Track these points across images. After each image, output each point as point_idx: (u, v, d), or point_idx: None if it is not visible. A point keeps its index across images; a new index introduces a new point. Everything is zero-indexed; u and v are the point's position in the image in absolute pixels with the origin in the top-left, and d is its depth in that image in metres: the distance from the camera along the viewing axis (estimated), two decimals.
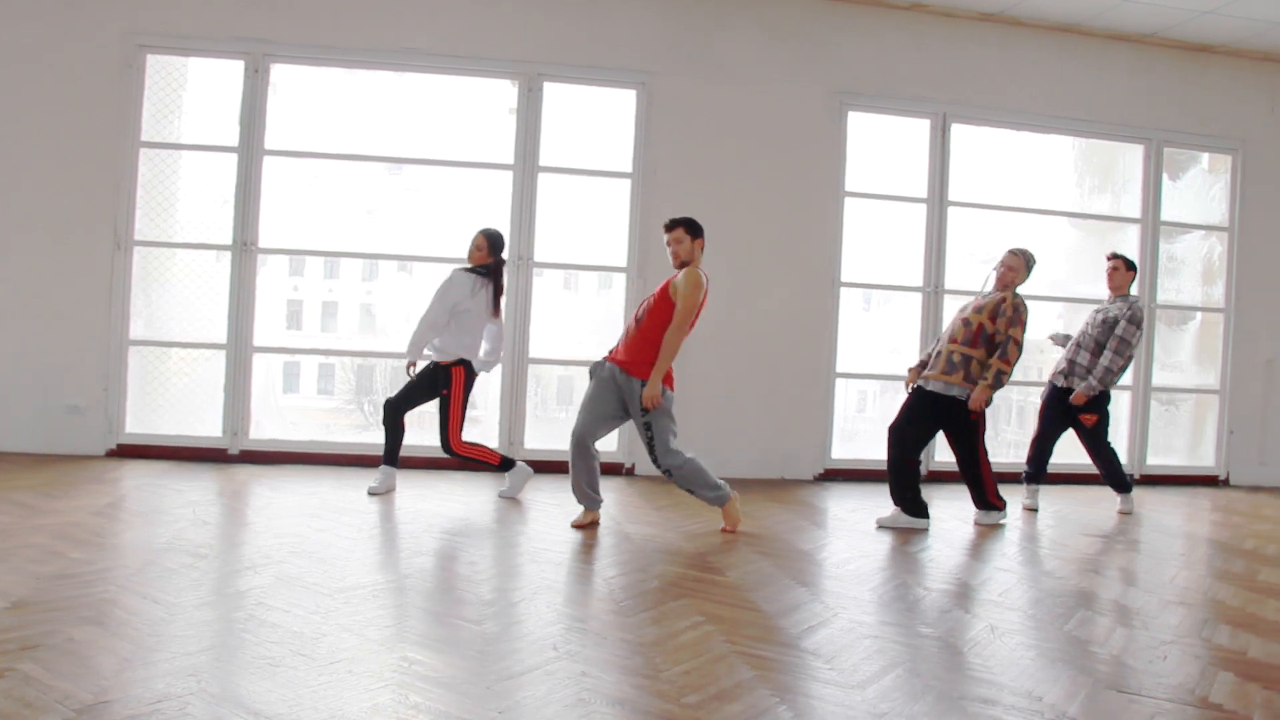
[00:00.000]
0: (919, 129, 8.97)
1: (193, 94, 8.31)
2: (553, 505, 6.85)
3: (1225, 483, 9.62)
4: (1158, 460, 9.50)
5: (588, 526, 6.16)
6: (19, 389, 7.72)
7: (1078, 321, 9.93)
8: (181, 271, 8.14)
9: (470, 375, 6.98)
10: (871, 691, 3.48)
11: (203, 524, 5.72)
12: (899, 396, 8.87)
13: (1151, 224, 9.41)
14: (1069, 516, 7.56)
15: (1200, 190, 9.85)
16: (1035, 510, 7.65)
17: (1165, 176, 9.53)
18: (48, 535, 5.14)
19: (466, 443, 6.97)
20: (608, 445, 8.42)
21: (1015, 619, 4.57)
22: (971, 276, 9.37)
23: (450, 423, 6.89)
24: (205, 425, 8.05)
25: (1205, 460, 9.70)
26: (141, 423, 7.99)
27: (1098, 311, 7.65)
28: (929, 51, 8.86)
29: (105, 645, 3.54)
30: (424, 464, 7.99)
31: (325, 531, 5.59)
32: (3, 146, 7.64)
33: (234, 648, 3.64)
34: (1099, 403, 7.52)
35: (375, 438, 8.47)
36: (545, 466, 8.05)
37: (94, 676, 3.24)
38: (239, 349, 7.98)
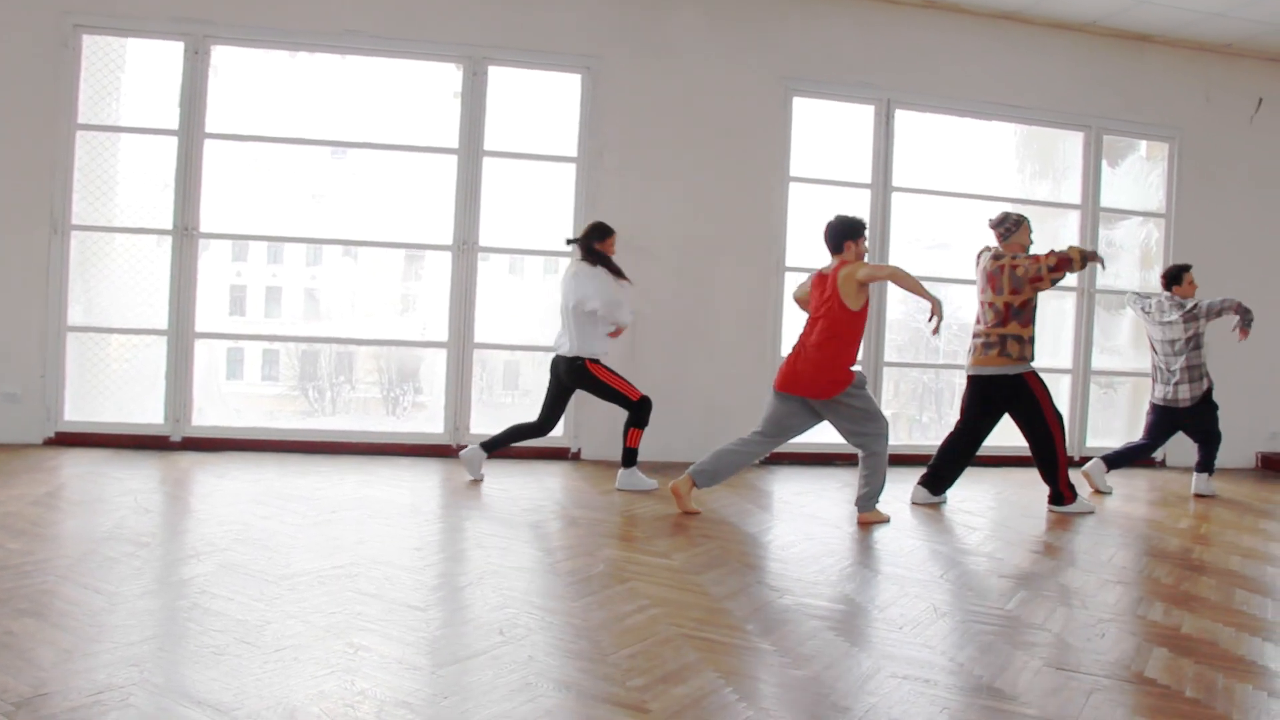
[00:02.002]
0: (863, 115, 9.02)
1: (131, 76, 8.17)
2: (499, 491, 6.84)
3: (1162, 464, 9.79)
4: (1097, 442, 9.64)
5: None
6: None
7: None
8: (121, 256, 8.02)
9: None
10: (817, 672, 3.52)
11: (145, 512, 5.65)
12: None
13: (1091, 210, 9.55)
14: (1010, 498, 7.67)
15: (1138, 177, 10.00)
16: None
17: (1104, 163, 9.67)
18: None
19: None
20: (555, 430, 8.41)
21: (958, 599, 4.64)
22: (916, 262, 9.47)
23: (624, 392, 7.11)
24: (146, 412, 7.95)
25: None
26: (81, 410, 7.87)
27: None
28: (873, 38, 8.92)
29: (44, 637, 3.50)
30: (368, 450, 7.95)
31: (270, 519, 5.54)
32: None
33: (177, 637, 3.61)
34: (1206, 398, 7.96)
35: (320, 424, 8.44)
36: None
37: (32, 669, 3.20)
38: (181, 335, 7.88)
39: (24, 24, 7.60)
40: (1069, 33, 9.31)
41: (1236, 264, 9.80)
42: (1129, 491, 8.27)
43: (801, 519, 6.45)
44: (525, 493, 6.79)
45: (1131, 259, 10.04)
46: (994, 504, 7.43)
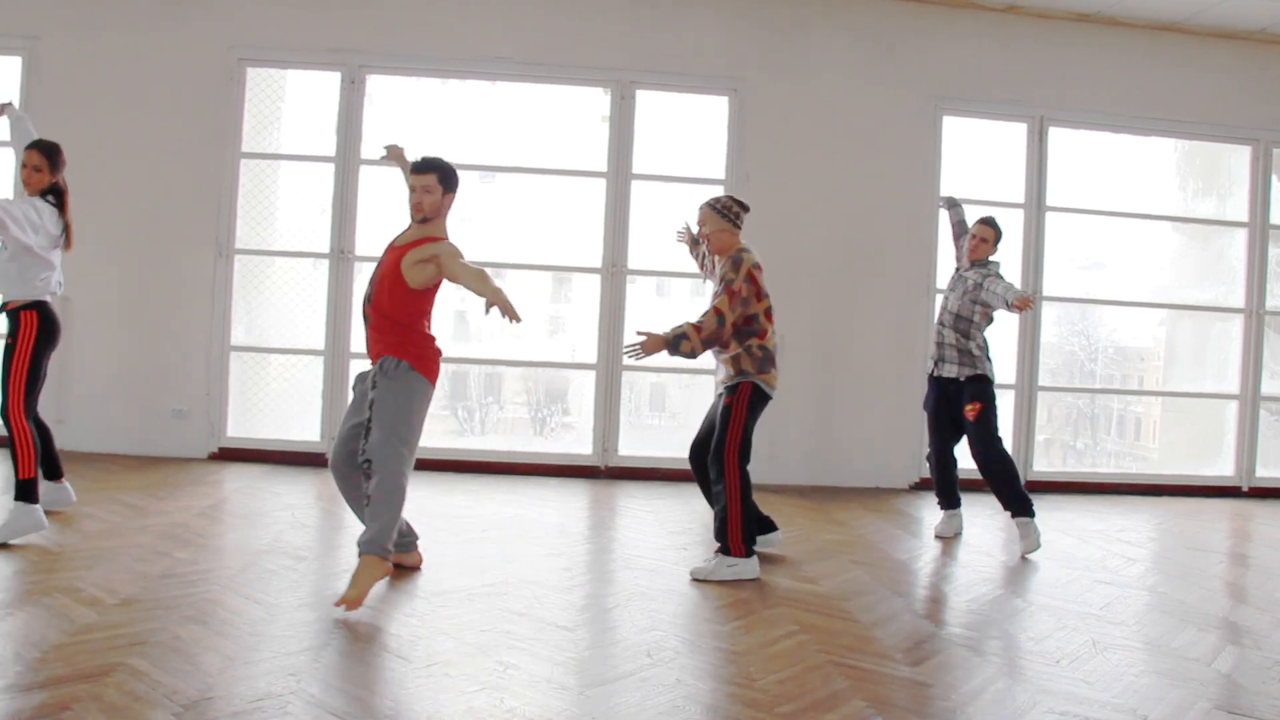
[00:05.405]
0: (1016, 133, 8.80)
1: (291, 105, 8.46)
2: (647, 512, 6.84)
3: None
4: (1268, 472, 9.17)
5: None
6: (126, 393, 7.92)
7: (1180, 330, 9.68)
8: (280, 279, 8.29)
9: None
10: (970, 705, 3.42)
11: (302, 527, 5.81)
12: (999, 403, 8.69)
13: (1260, 227, 9.11)
14: (1171, 529, 7.35)
15: None
16: (953, 537, 6.58)
17: (1275, 178, 9.22)
18: (154, 535, 5.27)
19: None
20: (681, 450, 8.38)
21: (1118, 634, 4.46)
22: (1070, 283, 9.21)
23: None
24: (304, 430, 8.18)
25: None
26: (242, 427, 8.15)
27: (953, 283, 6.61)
28: (1024, 54, 8.70)
29: (209, 644, 3.62)
30: (516, 470, 8.03)
31: (421, 536, 5.63)
32: (110, 157, 7.83)
33: (332, 649, 3.69)
34: (990, 391, 6.35)
35: (469, 443, 8.57)
36: (639, 474, 8.05)
37: (199, 674, 3.31)
38: (336, 355, 8.10)
39: (194, 59, 7.94)
40: (1234, 42, 8.92)
41: None
42: None
43: (952, 546, 6.29)
44: (673, 515, 6.78)
45: None
46: (1156, 535, 7.13)
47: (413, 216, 4.85)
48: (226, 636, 3.74)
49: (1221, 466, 9.10)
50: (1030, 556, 6.00)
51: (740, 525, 5.18)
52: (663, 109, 8.51)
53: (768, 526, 5.73)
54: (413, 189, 4.79)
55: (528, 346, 9.08)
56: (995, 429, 6.27)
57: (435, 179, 4.77)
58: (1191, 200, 9.49)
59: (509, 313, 4.17)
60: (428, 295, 4.78)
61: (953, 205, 6.99)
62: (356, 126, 8.10)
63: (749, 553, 5.18)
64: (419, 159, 4.82)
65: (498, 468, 8.10)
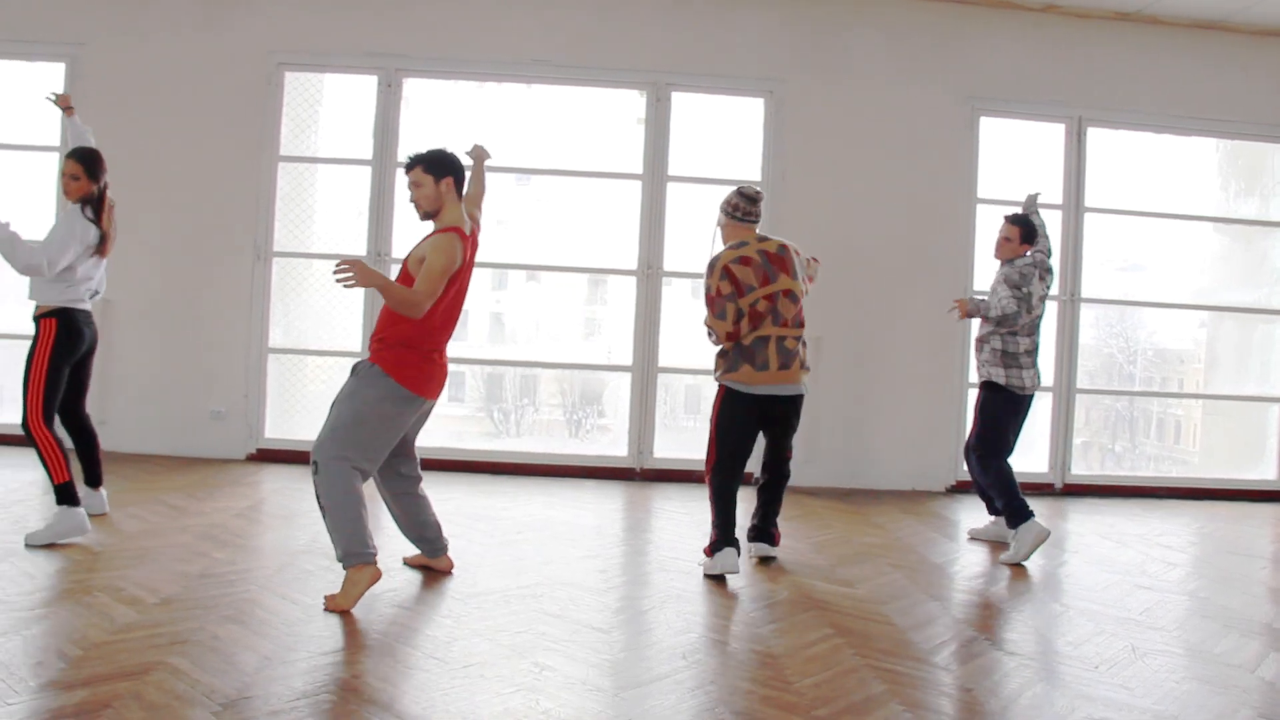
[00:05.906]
0: (1054, 133, 8.73)
1: (329, 109, 8.52)
2: (682, 514, 6.83)
3: None
4: None
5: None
6: (166, 395, 8.00)
7: (1222, 332, 9.56)
8: (318, 281, 8.34)
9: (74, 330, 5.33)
10: (1008, 710, 3.40)
11: None
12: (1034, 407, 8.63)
13: None
14: (1213, 533, 7.26)
15: None
16: (991, 541, 6.42)
17: None
18: (193, 535, 5.32)
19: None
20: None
21: (1158, 639, 4.41)
22: (1108, 284, 9.11)
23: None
24: None
25: None
26: (280, 428, 8.20)
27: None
28: (1063, 54, 8.62)
29: (247, 643, 3.65)
30: (551, 471, 8.04)
31: (458, 537, 5.63)
32: (150, 162, 7.91)
33: (368, 649, 3.71)
34: (995, 399, 6.11)
35: (505, 445, 8.59)
36: (674, 476, 8.03)
37: (237, 673, 3.34)
38: None
39: (233, 64, 8.01)
40: (1276, 40, 8.80)
41: None
42: None
43: (989, 549, 6.24)
44: (708, 517, 6.76)
45: None
46: (1196, 539, 7.05)
47: (418, 216, 4.90)
48: (264, 636, 3.77)
49: (1264, 470, 8.99)
50: (1067, 561, 5.95)
51: (715, 525, 5.29)
52: (698, 111, 8.51)
53: (764, 537, 5.64)
54: (409, 189, 4.80)
55: (563, 348, 9.10)
56: (995, 438, 6.07)
57: (421, 170, 4.74)
58: (1234, 201, 9.37)
59: (341, 270, 4.24)
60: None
61: (1028, 204, 6.90)
62: (393, 129, 8.14)
63: (718, 547, 5.17)
64: (407, 158, 4.82)
65: (533, 469, 8.12)
